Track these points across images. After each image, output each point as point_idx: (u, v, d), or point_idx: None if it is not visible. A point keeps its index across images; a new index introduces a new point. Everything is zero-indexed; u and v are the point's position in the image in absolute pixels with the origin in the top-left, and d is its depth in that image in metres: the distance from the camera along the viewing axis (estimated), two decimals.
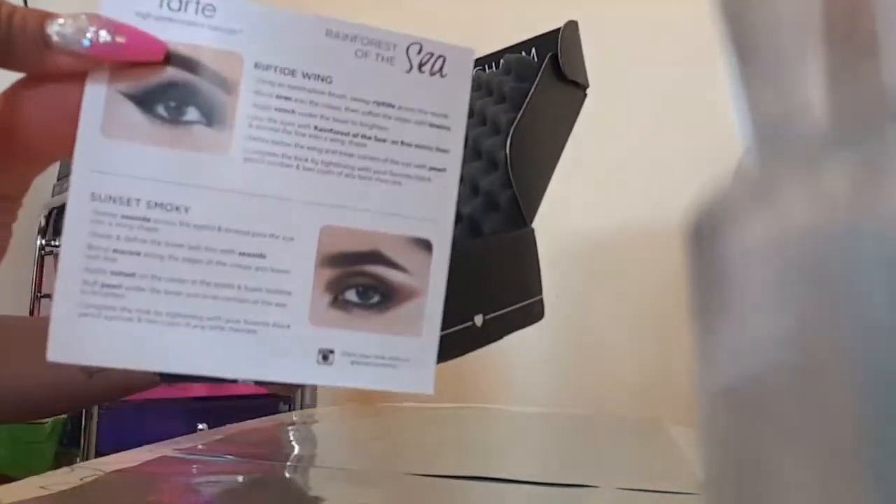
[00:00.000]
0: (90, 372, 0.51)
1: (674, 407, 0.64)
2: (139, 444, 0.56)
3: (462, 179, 0.54)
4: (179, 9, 0.23)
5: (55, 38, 0.22)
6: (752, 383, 0.11)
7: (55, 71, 0.22)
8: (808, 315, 0.10)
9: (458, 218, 0.52)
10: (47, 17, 0.22)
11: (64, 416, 1.33)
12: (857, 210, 0.10)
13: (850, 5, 0.12)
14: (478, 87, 0.59)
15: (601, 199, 0.98)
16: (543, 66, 0.53)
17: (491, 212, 0.50)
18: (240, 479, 0.49)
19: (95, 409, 1.24)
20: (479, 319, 0.43)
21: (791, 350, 0.11)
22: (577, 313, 1.02)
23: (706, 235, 0.13)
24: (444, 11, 1.41)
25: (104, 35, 0.22)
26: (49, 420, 1.31)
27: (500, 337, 0.46)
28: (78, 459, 1.24)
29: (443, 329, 0.41)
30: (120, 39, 0.22)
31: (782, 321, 0.11)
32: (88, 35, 0.22)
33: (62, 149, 0.23)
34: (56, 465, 1.30)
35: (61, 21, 0.22)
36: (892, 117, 0.11)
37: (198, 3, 0.23)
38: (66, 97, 0.22)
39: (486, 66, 0.62)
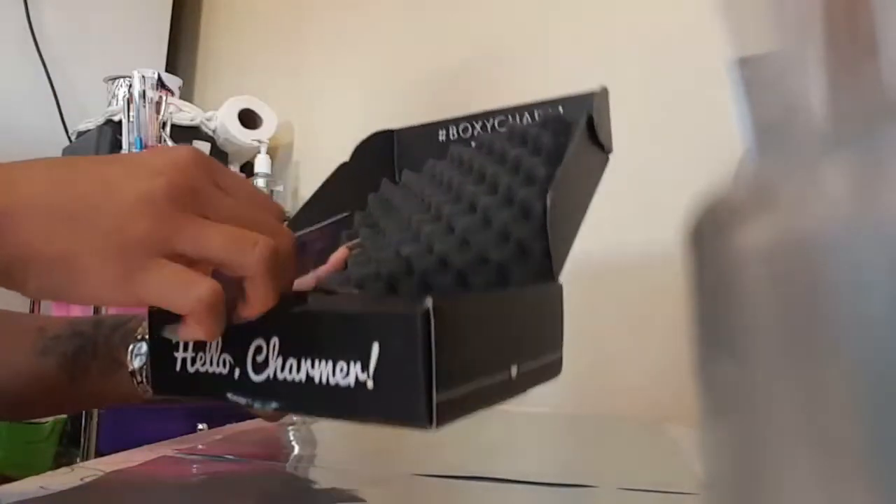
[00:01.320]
0: (73, 374, 0.51)
1: (674, 407, 0.64)
2: (139, 444, 0.56)
3: (490, 223, 0.53)
4: None
5: None
6: (752, 383, 0.11)
7: None
8: (809, 314, 0.10)
9: (486, 261, 0.52)
10: None
11: (64, 416, 1.33)
12: (857, 210, 0.10)
13: (850, 5, 0.12)
14: (510, 135, 0.60)
15: (602, 201, 0.98)
16: (582, 125, 0.54)
17: (521, 260, 0.50)
18: (240, 478, 0.49)
19: (95, 409, 1.24)
20: (514, 370, 0.44)
21: (791, 349, 0.11)
22: (577, 314, 1.02)
23: (707, 235, 0.13)
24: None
25: None
26: (49, 420, 1.31)
27: (526, 390, 0.47)
28: (78, 459, 1.24)
29: (483, 378, 0.40)
30: None
31: (783, 320, 0.11)
32: None
33: None
34: (56, 465, 1.30)
35: None
36: (893, 117, 0.11)
37: None
38: None
39: (517, 117, 0.63)
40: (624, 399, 1.02)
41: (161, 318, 0.43)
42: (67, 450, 1.33)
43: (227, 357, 0.45)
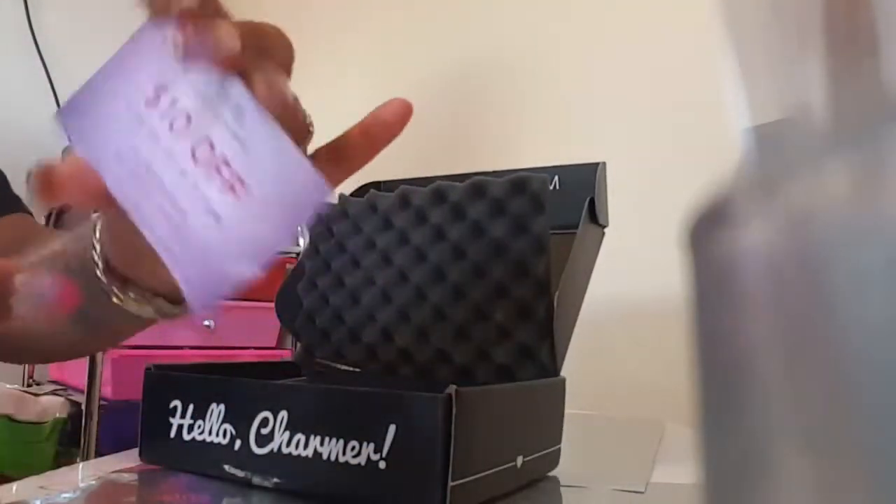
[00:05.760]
0: (91, 331, 0.49)
1: (674, 407, 0.64)
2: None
3: (486, 318, 0.50)
4: None
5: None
6: (751, 382, 0.11)
7: None
8: (808, 314, 0.10)
9: (490, 360, 0.50)
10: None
11: (64, 416, 1.33)
12: (857, 209, 0.10)
13: (850, 5, 0.12)
14: (477, 194, 0.53)
15: None
16: (585, 211, 0.53)
17: (526, 362, 0.50)
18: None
19: (96, 409, 1.24)
20: (520, 461, 0.44)
21: (790, 350, 0.11)
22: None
23: (706, 235, 0.13)
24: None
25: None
26: (49, 420, 1.31)
27: (529, 480, 0.47)
28: (78, 459, 1.24)
29: (491, 467, 0.41)
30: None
31: (781, 320, 0.11)
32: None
33: None
34: (56, 465, 1.30)
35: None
36: (892, 117, 0.11)
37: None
38: None
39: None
40: (624, 399, 1.02)
41: None
42: (67, 450, 1.33)
43: (229, 427, 0.44)
